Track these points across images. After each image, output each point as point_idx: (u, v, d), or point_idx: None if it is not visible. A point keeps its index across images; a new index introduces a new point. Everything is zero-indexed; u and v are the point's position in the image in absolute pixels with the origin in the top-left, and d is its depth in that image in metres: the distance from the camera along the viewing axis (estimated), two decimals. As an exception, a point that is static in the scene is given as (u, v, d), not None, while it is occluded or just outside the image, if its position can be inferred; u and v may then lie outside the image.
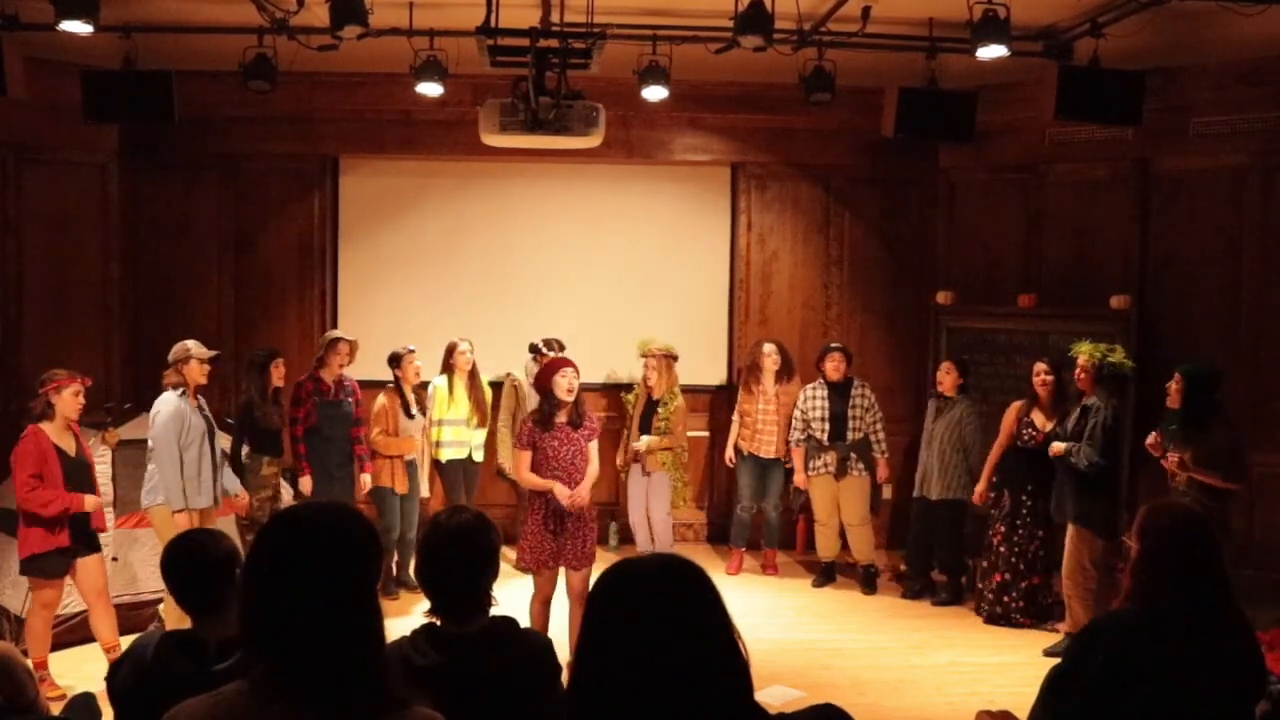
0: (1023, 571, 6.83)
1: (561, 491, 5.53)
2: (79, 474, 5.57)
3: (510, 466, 7.84)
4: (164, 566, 2.93)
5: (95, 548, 5.68)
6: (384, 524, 7.02)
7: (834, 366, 7.57)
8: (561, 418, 5.57)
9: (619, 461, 8.04)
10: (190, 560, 2.87)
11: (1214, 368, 6.12)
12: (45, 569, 5.47)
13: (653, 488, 7.77)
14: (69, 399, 5.53)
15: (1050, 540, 6.77)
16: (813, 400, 7.61)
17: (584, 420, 5.64)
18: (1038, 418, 6.77)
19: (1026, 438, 6.77)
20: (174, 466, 5.80)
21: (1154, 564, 2.71)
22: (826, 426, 7.55)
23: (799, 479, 7.72)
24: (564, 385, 5.52)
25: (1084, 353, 6.44)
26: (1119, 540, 5.86)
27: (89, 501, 5.54)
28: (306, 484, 6.81)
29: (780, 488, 7.95)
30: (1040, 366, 6.81)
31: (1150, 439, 6.01)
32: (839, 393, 7.57)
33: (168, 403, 5.87)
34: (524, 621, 2.85)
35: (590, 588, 1.80)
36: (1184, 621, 2.62)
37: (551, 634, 5.31)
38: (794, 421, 7.69)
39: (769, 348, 7.86)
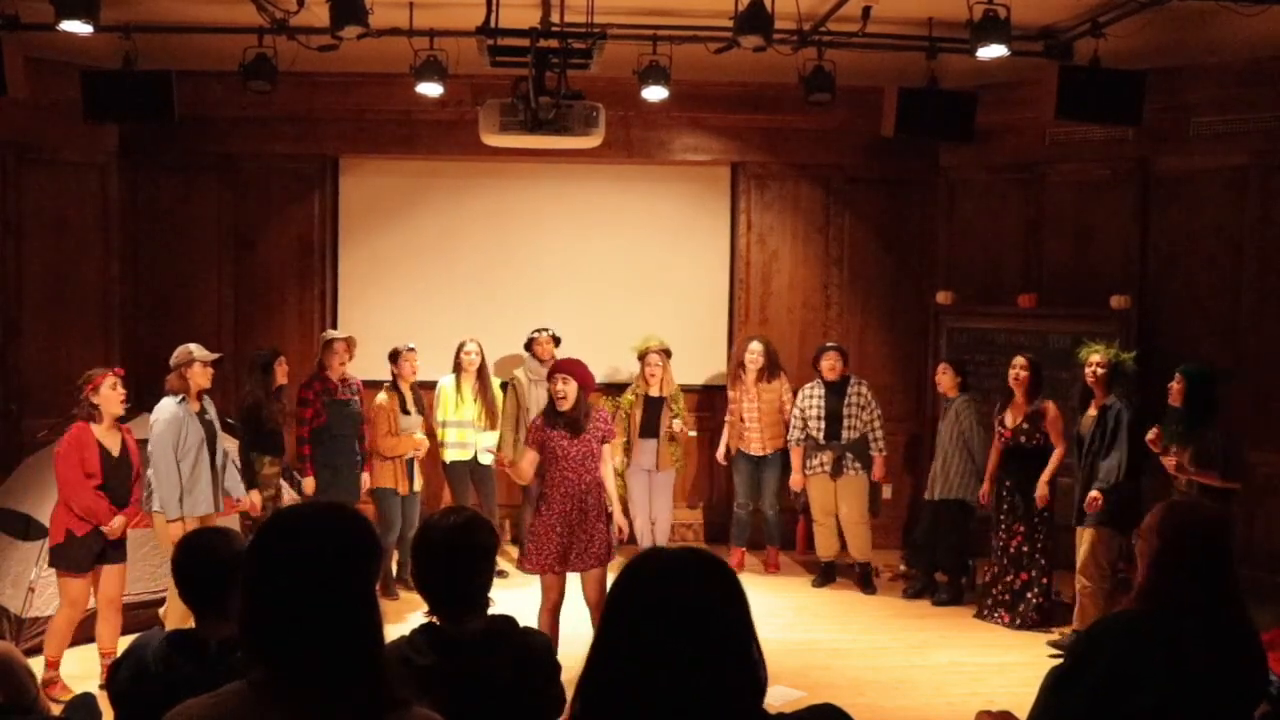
0: (1006, 566, 6.85)
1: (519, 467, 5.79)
2: (119, 475, 5.59)
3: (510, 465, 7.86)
4: (174, 565, 2.94)
5: (121, 558, 5.67)
6: (385, 524, 7.02)
7: (829, 366, 7.57)
8: (564, 420, 5.49)
9: (618, 463, 7.89)
10: (199, 559, 2.87)
11: (1213, 367, 6.15)
12: (68, 560, 5.47)
13: (656, 486, 7.79)
14: (109, 393, 5.54)
15: (1032, 536, 6.76)
16: (810, 399, 7.62)
17: (586, 424, 5.48)
18: (1008, 415, 6.84)
19: (998, 437, 6.89)
20: (170, 476, 5.78)
21: (1173, 562, 2.69)
22: (822, 425, 7.56)
23: (795, 479, 7.74)
24: (554, 391, 5.46)
25: (1098, 352, 6.44)
26: (1131, 537, 5.88)
27: (115, 523, 5.52)
28: (310, 484, 6.78)
29: (776, 486, 7.96)
30: (1019, 360, 6.84)
31: (1150, 434, 6.04)
32: (835, 392, 7.57)
33: (165, 410, 5.85)
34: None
35: (615, 579, 1.79)
36: (1191, 622, 2.61)
37: (564, 641, 5.29)
38: (793, 421, 7.70)
39: (755, 346, 7.88)
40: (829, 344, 7.76)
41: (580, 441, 5.46)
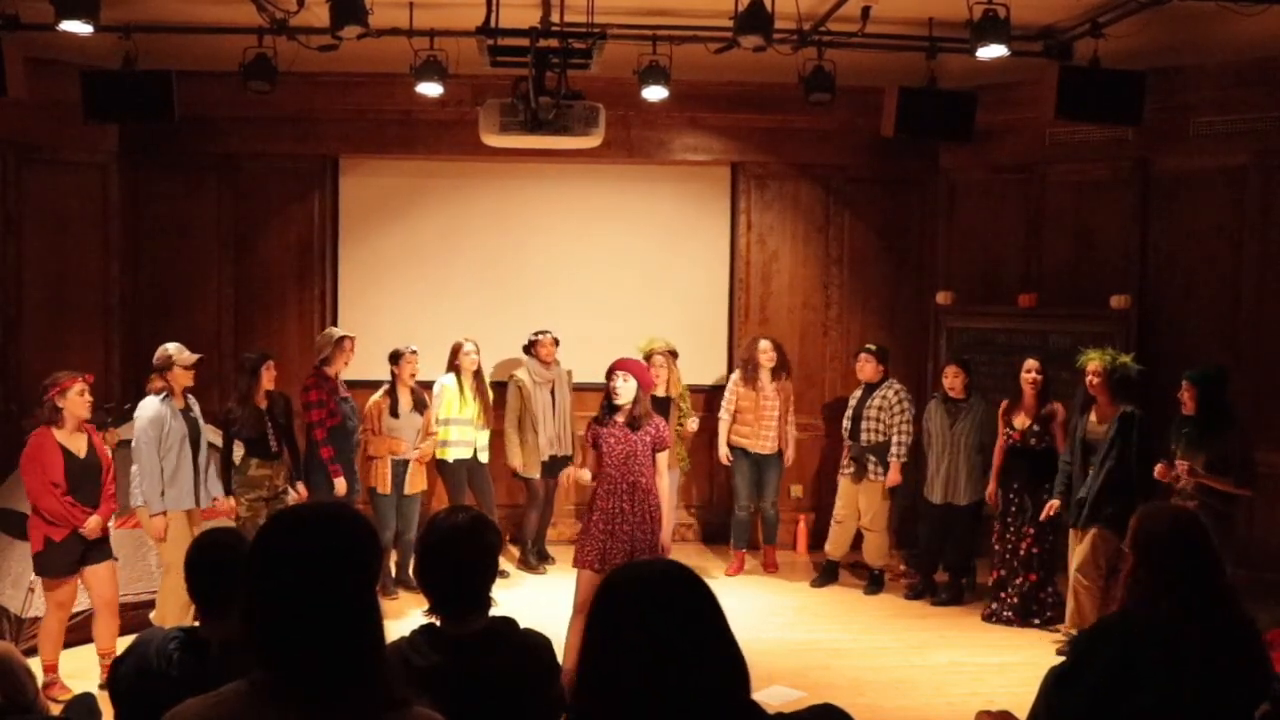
0: (1016, 569, 6.85)
1: (581, 474, 5.73)
2: (87, 478, 5.52)
3: (520, 466, 7.83)
4: (187, 560, 2.93)
5: (106, 554, 5.64)
6: (378, 524, 7.00)
7: (859, 367, 7.64)
8: (620, 417, 5.52)
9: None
10: (212, 558, 2.86)
11: (1219, 367, 6.10)
12: (51, 567, 5.46)
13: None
14: (75, 399, 5.48)
15: (1042, 537, 6.77)
16: (852, 400, 7.73)
17: (642, 424, 5.50)
18: (1017, 418, 6.85)
19: (1005, 437, 6.85)
20: (153, 470, 5.79)
21: (1149, 569, 2.70)
22: (849, 425, 7.63)
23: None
24: (611, 386, 5.50)
25: (1095, 359, 6.41)
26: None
27: (90, 524, 5.46)
28: (342, 485, 6.71)
29: (777, 484, 7.96)
30: (1031, 364, 6.85)
31: (1158, 470, 5.96)
32: (869, 392, 7.61)
33: (148, 407, 5.88)
34: (548, 629, 2.85)
35: (602, 583, 1.86)
36: (1189, 623, 2.61)
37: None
38: None
39: (765, 344, 7.88)
40: (867, 345, 7.77)
41: (628, 440, 5.48)
